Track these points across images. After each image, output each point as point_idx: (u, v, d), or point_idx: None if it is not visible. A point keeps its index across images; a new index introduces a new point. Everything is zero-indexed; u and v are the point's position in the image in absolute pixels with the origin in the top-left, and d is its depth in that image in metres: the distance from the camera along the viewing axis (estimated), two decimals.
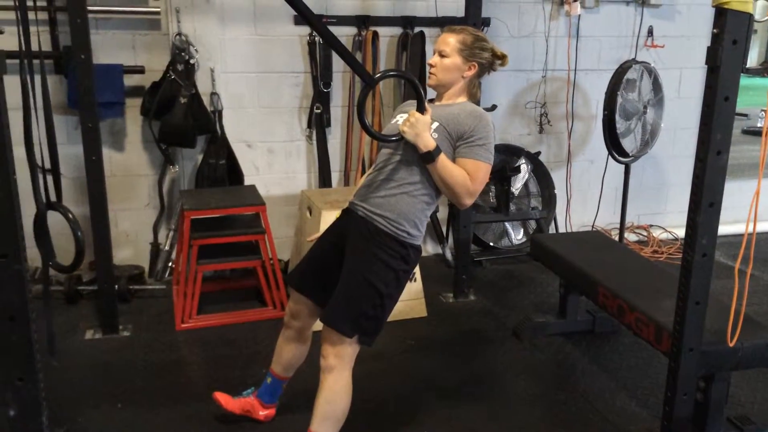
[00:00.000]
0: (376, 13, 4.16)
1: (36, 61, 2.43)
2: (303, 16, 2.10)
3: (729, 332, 2.30)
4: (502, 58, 2.40)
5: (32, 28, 2.28)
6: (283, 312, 3.59)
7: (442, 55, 2.35)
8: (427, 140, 2.18)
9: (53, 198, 2.62)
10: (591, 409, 2.85)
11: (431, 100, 2.43)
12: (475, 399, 2.92)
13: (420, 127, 2.17)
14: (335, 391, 2.24)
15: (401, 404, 2.87)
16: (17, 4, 2.05)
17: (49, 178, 2.58)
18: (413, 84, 2.28)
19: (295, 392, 2.69)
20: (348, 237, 2.33)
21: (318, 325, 2.35)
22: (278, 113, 4.18)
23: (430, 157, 2.18)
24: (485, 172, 2.27)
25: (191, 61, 3.79)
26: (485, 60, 2.36)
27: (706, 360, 2.41)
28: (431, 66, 2.38)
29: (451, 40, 2.34)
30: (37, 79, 2.42)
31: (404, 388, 2.99)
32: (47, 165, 2.56)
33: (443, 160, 2.19)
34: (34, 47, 2.40)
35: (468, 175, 2.22)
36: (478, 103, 2.43)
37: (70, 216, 2.55)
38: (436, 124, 2.26)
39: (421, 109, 2.22)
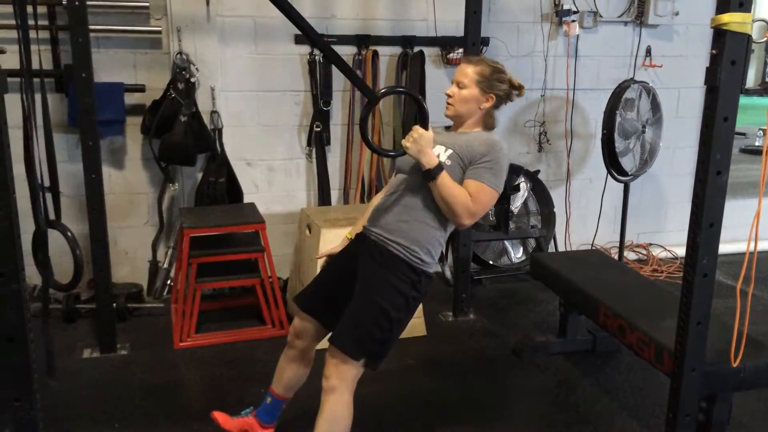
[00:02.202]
0: (376, 32, 4.18)
1: (37, 80, 2.44)
2: (306, 33, 2.11)
3: (732, 352, 2.29)
4: (519, 88, 2.43)
5: (33, 47, 2.29)
6: (282, 330, 3.62)
7: (460, 86, 2.36)
8: (430, 157, 2.18)
9: (52, 216, 2.62)
10: (592, 430, 2.82)
11: (447, 128, 2.47)
12: (475, 419, 2.89)
13: (423, 142, 2.17)
14: (336, 412, 2.21)
15: (400, 424, 2.85)
16: (18, 22, 2.06)
17: (49, 197, 2.58)
18: (416, 100, 2.29)
19: (294, 413, 2.67)
20: (359, 260, 2.33)
21: (321, 344, 2.34)
22: (278, 131, 4.19)
23: (431, 175, 2.17)
24: (490, 197, 2.25)
25: (192, 80, 3.80)
26: (503, 91, 2.39)
27: (709, 381, 2.40)
28: (449, 96, 2.39)
29: (469, 71, 2.36)
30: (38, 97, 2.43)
31: (402, 408, 2.97)
32: (46, 183, 2.55)
33: (444, 178, 2.18)
34: (36, 66, 2.41)
35: (470, 196, 2.21)
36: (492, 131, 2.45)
37: (69, 234, 2.55)
38: (450, 151, 2.27)
39: (424, 125, 2.22)
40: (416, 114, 2.46)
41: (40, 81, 2.50)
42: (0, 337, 1.86)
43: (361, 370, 2.25)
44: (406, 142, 2.19)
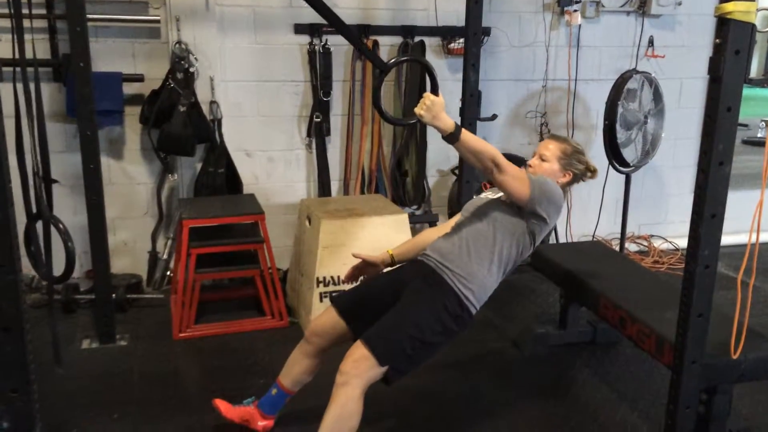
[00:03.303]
0: (377, 22, 4.15)
1: (30, 69, 2.42)
2: (316, 8, 2.09)
3: (732, 344, 2.28)
4: (594, 171, 2.62)
5: (27, 36, 2.27)
6: (282, 322, 3.62)
7: (542, 159, 2.54)
8: (446, 121, 2.20)
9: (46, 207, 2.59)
10: (592, 422, 2.82)
11: None
12: (475, 411, 2.89)
13: (436, 109, 2.19)
14: (346, 408, 2.20)
15: (400, 418, 2.84)
16: (12, 11, 2.04)
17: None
18: (426, 67, 2.31)
19: (294, 407, 2.66)
20: (410, 279, 2.39)
21: None
22: (278, 122, 4.17)
23: (453, 136, 2.20)
24: (522, 178, 2.34)
25: (191, 70, 3.78)
26: (579, 171, 2.57)
27: (709, 372, 2.39)
28: (530, 166, 2.55)
29: (552, 147, 2.55)
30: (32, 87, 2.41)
31: (403, 401, 2.95)
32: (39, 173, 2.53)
33: (466, 134, 2.22)
34: (30, 55, 2.39)
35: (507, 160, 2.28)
36: None
37: (61, 226, 2.53)
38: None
39: (435, 91, 2.26)
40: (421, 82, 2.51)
41: (34, 70, 2.48)
42: None
43: (379, 376, 2.24)
44: (419, 110, 2.20)
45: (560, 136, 2.70)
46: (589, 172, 2.62)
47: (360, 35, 4.10)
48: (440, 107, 2.19)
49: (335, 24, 2.21)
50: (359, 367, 2.20)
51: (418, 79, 4.14)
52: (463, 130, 2.21)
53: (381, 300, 2.39)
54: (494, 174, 2.27)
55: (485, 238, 2.39)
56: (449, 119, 2.20)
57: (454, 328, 2.33)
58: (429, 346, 2.29)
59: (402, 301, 2.32)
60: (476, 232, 2.41)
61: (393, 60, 2.42)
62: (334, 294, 2.67)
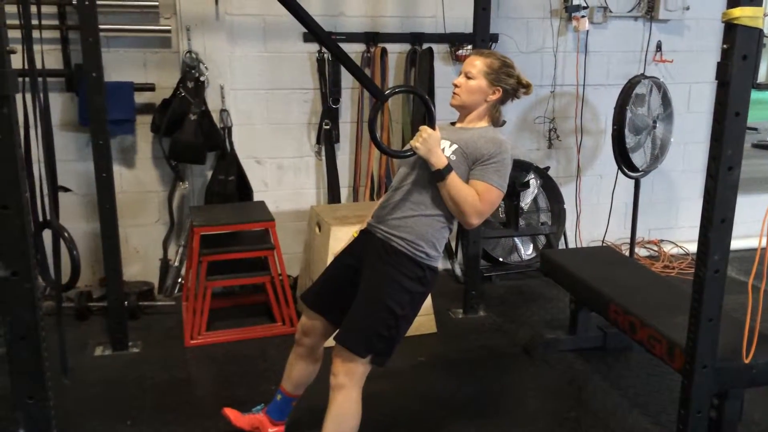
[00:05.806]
0: (385, 29, 4.18)
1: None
2: (314, 33, 2.11)
3: (744, 349, 2.27)
4: (527, 86, 2.42)
5: (37, 47, 2.30)
6: (293, 328, 3.62)
7: (468, 77, 2.36)
8: (439, 157, 2.19)
9: (49, 216, 2.61)
10: (603, 427, 2.82)
11: (452, 123, 2.46)
12: (486, 417, 2.89)
13: (432, 143, 2.18)
14: (345, 409, 2.22)
15: (410, 422, 2.85)
16: (22, 22, 2.07)
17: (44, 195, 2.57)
18: (424, 100, 2.29)
19: (305, 410, 2.68)
20: (365, 257, 2.34)
21: (329, 343, 2.35)
22: (287, 129, 4.19)
23: (441, 175, 2.18)
24: (496, 197, 2.26)
25: (201, 79, 3.81)
26: (510, 86, 2.37)
27: (720, 377, 2.39)
28: (456, 86, 2.38)
29: (478, 63, 2.36)
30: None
31: (414, 405, 2.97)
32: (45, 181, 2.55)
33: (453, 178, 2.19)
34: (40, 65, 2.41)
35: (478, 196, 2.22)
36: (497, 126, 2.44)
37: (66, 235, 2.54)
38: (455, 146, 2.28)
39: (432, 124, 2.22)
40: (425, 113, 2.48)
41: (43, 80, 2.51)
42: (13, 335, 1.87)
43: (369, 367, 2.25)
44: (415, 143, 2.20)
45: (485, 50, 2.52)
46: (522, 87, 2.40)
47: (368, 43, 4.14)
48: (435, 141, 2.19)
49: (334, 51, 2.20)
50: (348, 370, 2.21)
51: (427, 84, 4.16)
52: (452, 173, 2.18)
53: (344, 283, 2.37)
54: (468, 219, 2.23)
55: (429, 196, 2.27)
56: (443, 156, 2.19)
57: (421, 290, 2.29)
58: (403, 319, 2.26)
59: (362, 285, 2.28)
60: (418, 190, 2.29)
61: (388, 91, 2.40)
62: (302, 293, 2.62)
